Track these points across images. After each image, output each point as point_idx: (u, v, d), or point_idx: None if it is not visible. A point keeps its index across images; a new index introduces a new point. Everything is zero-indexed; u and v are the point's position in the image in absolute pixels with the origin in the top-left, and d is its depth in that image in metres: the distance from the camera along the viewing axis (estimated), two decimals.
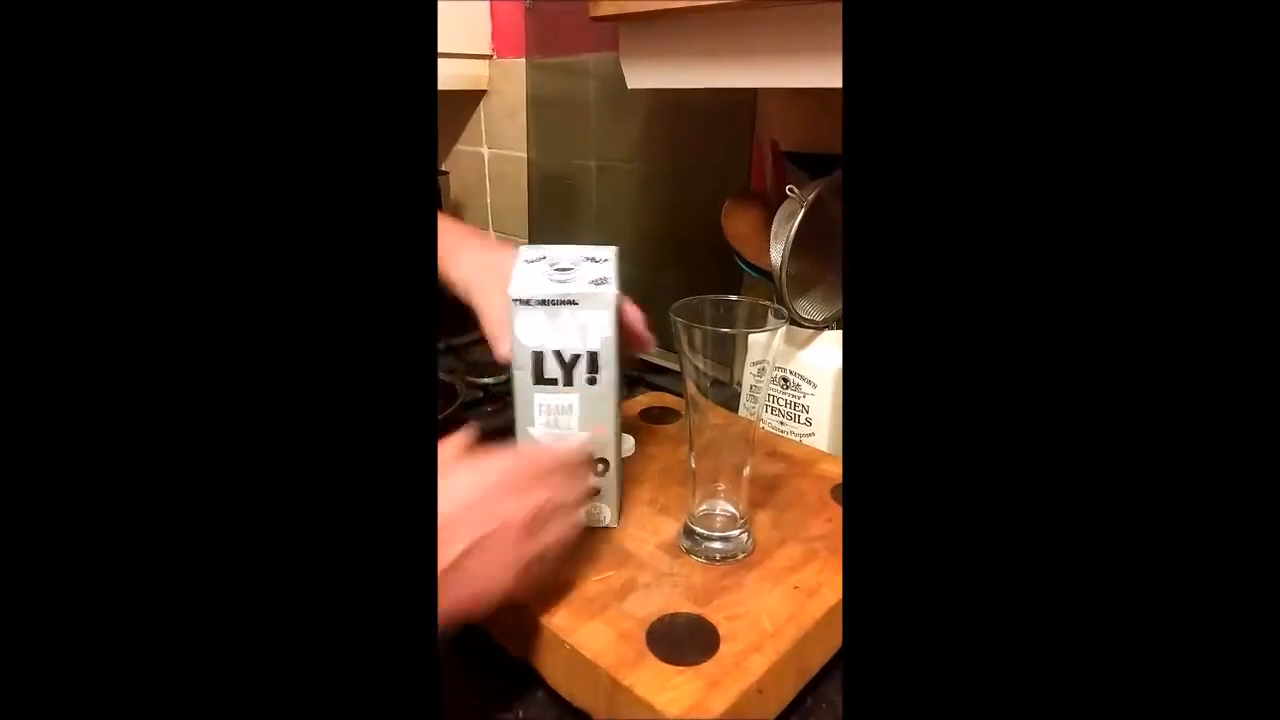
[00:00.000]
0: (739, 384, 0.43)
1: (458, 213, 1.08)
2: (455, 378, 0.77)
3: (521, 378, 0.44)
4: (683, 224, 0.79)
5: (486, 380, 0.82)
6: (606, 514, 0.47)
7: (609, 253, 0.47)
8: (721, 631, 0.37)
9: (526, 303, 0.42)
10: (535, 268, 0.45)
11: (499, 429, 0.69)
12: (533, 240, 0.98)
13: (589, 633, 0.37)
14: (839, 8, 0.41)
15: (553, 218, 0.95)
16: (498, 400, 0.78)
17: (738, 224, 0.63)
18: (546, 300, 0.42)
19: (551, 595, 0.40)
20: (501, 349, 0.45)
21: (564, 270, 0.44)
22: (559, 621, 0.38)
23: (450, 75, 0.95)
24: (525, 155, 0.96)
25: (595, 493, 0.46)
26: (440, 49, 0.93)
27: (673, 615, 0.38)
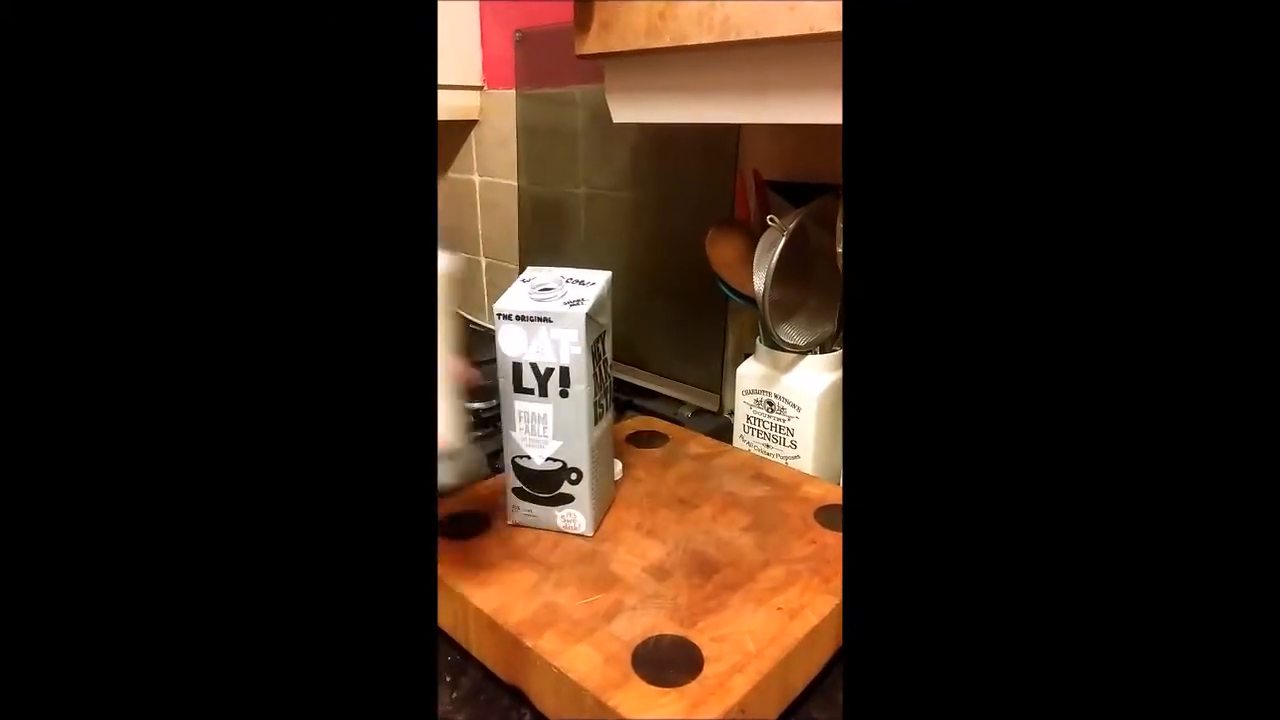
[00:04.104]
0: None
1: (450, 239, 1.09)
2: None
3: (505, 385, 0.47)
4: (669, 251, 0.81)
5: (475, 405, 0.83)
6: (581, 521, 0.49)
7: (601, 277, 0.49)
8: (705, 653, 0.38)
9: (508, 317, 0.45)
10: (523, 286, 0.48)
11: (491, 454, 0.71)
12: (522, 265, 1.00)
13: (575, 655, 0.38)
14: (818, 47, 0.43)
15: (542, 244, 0.97)
16: (486, 425, 0.79)
17: (722, 251, 0.65)
18: (524, 316, 0.45)
19: (540, 619, 0.41)
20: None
21: (546, 290, 0.47)
22: (546, 644, 0.39)
23: (443, 106, 0.97)
24: (516, 183, 0.97)
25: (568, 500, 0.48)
26: None
27: (658, 637, 0.39)
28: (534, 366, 0.45)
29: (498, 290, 1.07)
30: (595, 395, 0.47)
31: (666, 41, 0.48)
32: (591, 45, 0.52)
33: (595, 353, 0.46)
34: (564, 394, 0.45)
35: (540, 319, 0.44)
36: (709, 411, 0.81)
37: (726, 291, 0.67)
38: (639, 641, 0.39)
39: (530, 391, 0.46)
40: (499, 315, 0.45)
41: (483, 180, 1.04)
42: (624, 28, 0.50)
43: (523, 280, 0.49)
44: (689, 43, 0.47)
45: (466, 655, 0.44)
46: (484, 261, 1.08)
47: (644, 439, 0.64)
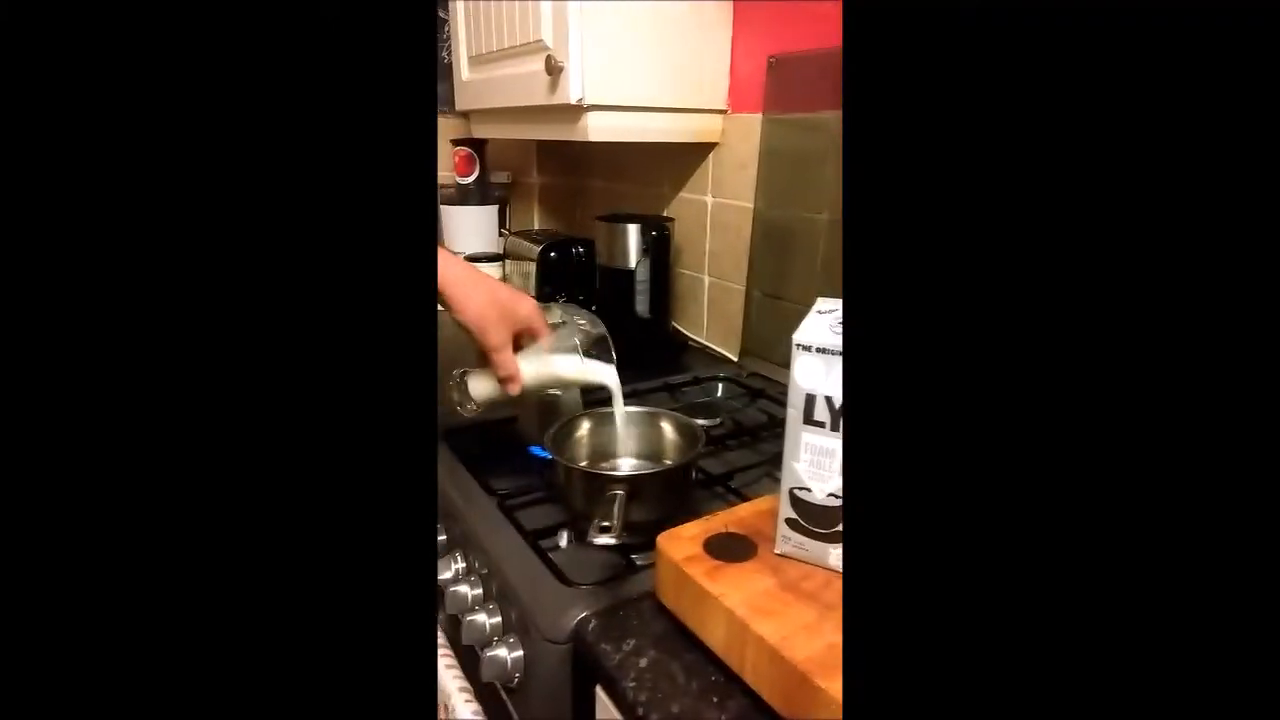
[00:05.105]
0: None
1: (677, 257, 1.12)
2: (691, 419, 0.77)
3: (794, 416, 0.47)
4: None
5: (703, 422, 0.84)
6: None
7: None
8: None
9: (808, 349, 0.45)
10: (823, 318, 0.48)
11: (724, 474, 0.71)
12: (749, 287, 1.01)
13: None
14: None
15: (772, 266, 0.97)
16: (714, 442, 0.80)
17: None
18: (825, 349, 0.44)
19: (825, 659, 0.40)
20: (511, 387, 0.64)
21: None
22: (838, 688, 0.38)
23: (684, 129, 1.00)
24: (751, 205, 0.98)
25: None
26: (675, 104, 0.98)
27: None
28: (829, 400, 0.45)
29: (717, 307, 1.09)
30: None
31: None
32: None
33: None
34: None
35: (841, 353, 0.44)
36: None
37: None
38: None
39: (821, 425, 0.46)
40: (798, 346, 0.45)
41: (716, 201, 1.06)
42: None
43: (819, 312, 0.48)
44: None
45: (731, 678, 0.45)
46: (707, 280, 1.10)
47: None
